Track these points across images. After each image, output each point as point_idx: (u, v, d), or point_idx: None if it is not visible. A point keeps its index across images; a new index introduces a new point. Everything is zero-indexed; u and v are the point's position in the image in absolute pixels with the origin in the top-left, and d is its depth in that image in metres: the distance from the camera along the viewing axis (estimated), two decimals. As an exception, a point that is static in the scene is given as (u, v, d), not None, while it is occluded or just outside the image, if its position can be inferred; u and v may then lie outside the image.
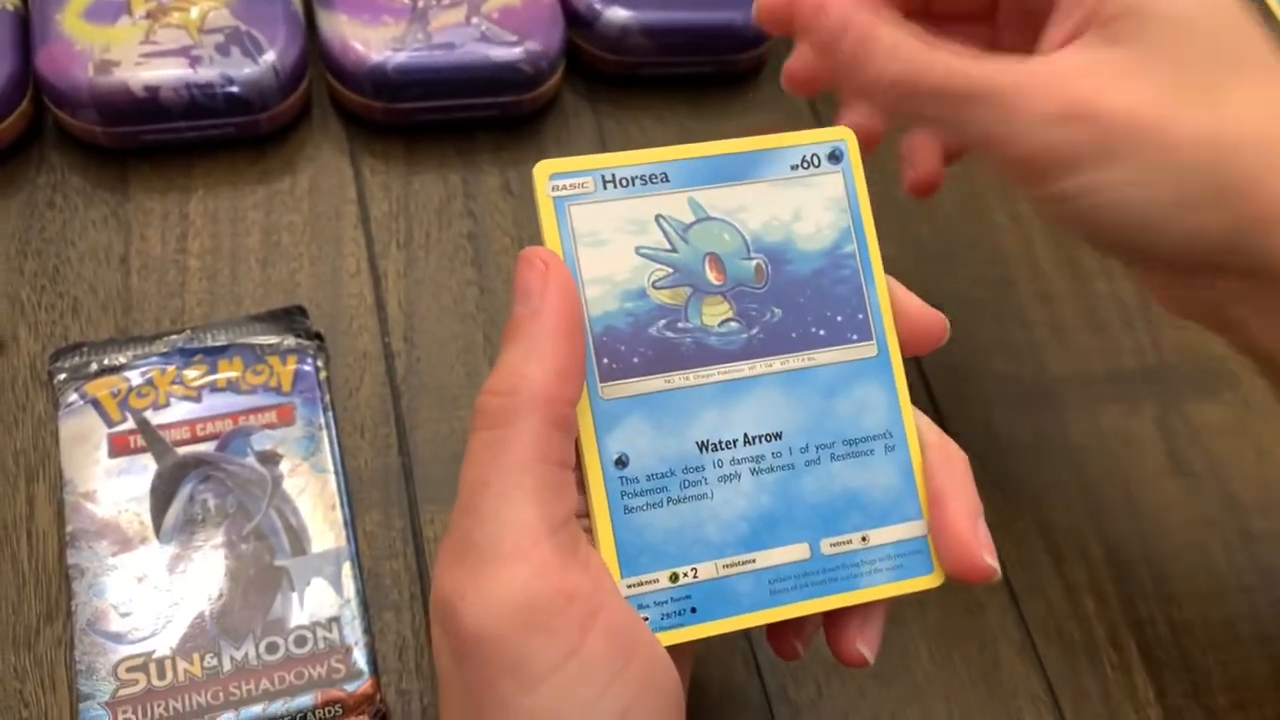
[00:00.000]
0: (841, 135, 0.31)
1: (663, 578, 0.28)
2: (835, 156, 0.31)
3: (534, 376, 0.26)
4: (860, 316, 0.30)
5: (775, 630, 0.31)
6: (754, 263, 0.30)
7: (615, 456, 0.28)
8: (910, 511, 0.30)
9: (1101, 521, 0.43)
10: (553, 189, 0.29)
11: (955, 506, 0.29)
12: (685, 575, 0.28)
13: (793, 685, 0.39)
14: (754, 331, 0.29)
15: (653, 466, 0.28)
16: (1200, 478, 0.44)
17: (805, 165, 0.30)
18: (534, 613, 0.25)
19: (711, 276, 0.29)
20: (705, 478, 0.29)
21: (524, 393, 0.26)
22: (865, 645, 0.30)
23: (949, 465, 0.30)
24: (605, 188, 0.29)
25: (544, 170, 0.29)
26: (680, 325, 0.29)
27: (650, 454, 0.28)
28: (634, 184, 0.29)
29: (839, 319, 0.30)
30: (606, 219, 0.29)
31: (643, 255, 0.29)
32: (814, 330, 0.30)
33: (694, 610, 0.28)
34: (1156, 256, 0.33)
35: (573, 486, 0.27)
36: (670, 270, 0.29)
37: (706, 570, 0.28)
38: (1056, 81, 0.31)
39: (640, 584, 0.28)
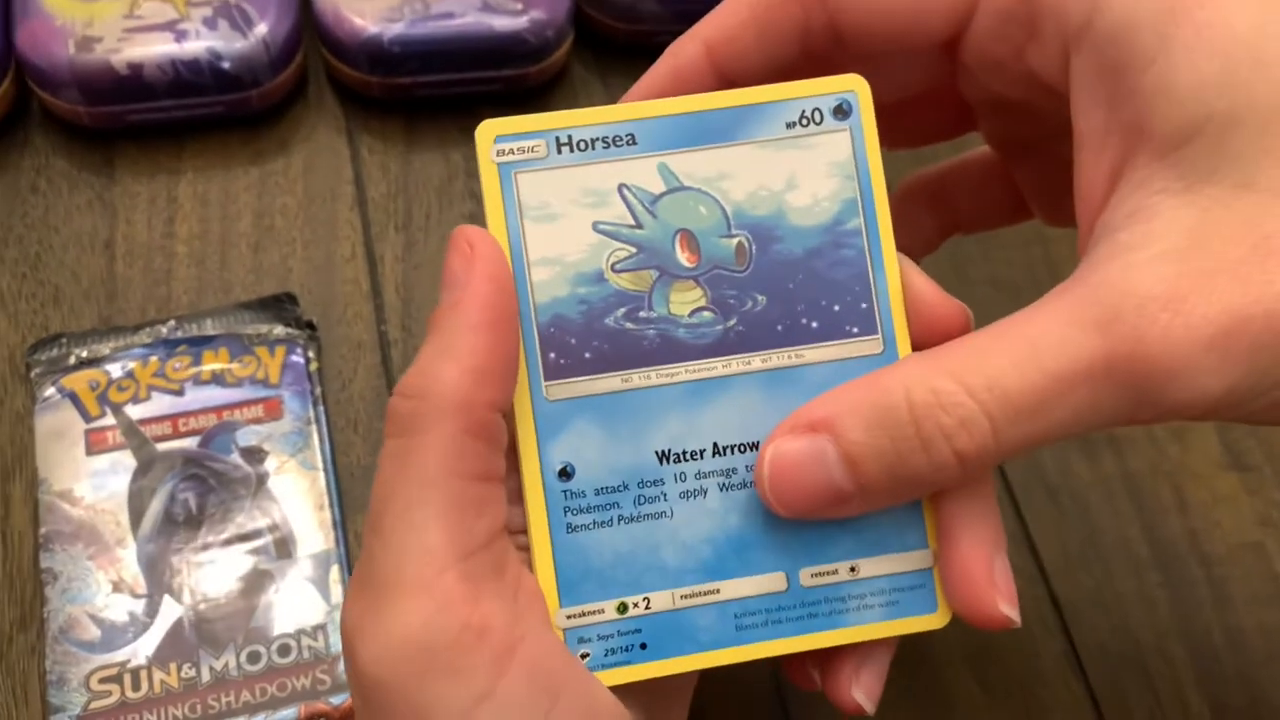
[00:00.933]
0: (851, 85, 0.25)
1: (609, 608, 0.24)
2: (842, 111, 0.25)
3: (446, 378, 0.22)
4: (864, 306, 0.25)
5: (795, 664, 0.27)
6: (735, 241, 0.25)
7: (559, 467, 0.24)
8: (911, 540, 0.25)
9: (1149, 520, 0.40)
10: (497, 153, 0.25)
11: (968, 539, 0.24)
12: (636, 606, 0.24)
13: (818, 703, 0.36)
14: (731, 323, 0.25)
15: (602, 479, 0.25)
16: (1259, 471, 0.41)
17: (804, 122, 0.25)
18: (435, 654, 0.21)
19: (682, 257, 0.25)
20: (664, 493, 0.25)
21: (434, 396, 0.22)
22: (862, 692, 0.25)
23: (967, 489, 0.24)
24: (560, 152, 0.25)
25: (487, 131, 0.25)
26: (643, 315, 0.25)
27: (600, 465, 0.24)
28: (594, 147, 0.25)
29: (837, 308, 0.25)
30: (560, 189, 0.25)
31: (601, 232, 0.25)
32: (805, 322, 0.25)
33: (644, 646, 0.24)
34: None
35: (496, 502, 0.23)
36: (633, 250, 0.25)
37: (661, 600, 0.24)
38: (1172, 307, 0.21)
39: (581, 614, 0.24)
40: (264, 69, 0.42)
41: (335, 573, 0.35)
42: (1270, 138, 0.21)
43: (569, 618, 0.24)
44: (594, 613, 0.24)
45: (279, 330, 0.39)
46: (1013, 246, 0.45)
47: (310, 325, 0.40)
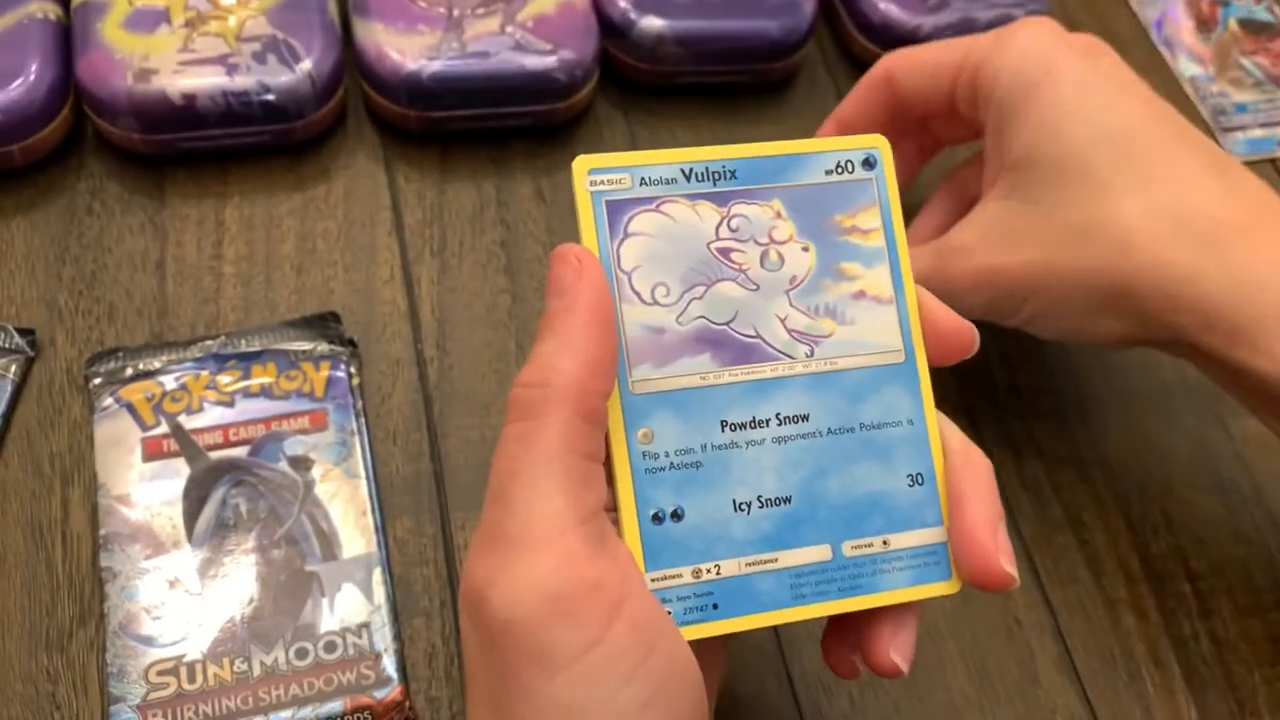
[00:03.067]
0: (875, 143, 0.31)
1: (686, 573, 0.28)
2: (869, 163, 0.31)
3: (565, 369, 0.26)
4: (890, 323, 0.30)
5: (834, 650, 0.31)
6: (784, 256, 0.30)
7: (643, 450, 0.28)
8: (930, 517, 0.30)
9: (1141, 537, 0.42)
10: (591, 184, 0.29)
11: (974, 512, 0.29)
12: (708, 571, 0.28)
13: (826, 700, 0.38)
14: (782, 334, 0.30)
15: (679, 461, 0.28)
16: (1241, 493, 0.44)
17: (840, 170, 0.30)
18: (560, 601, 0.25)
19: (742, 270, 0.30)
20: (730, 474, 0.29)
21: (555, 385, 0.26)
22: (898, 654, 0.30)
23: (971, 470, 0.30)
24: (641, 185, 0.29)
25: (583, 165, 0.29)
26: (710, 324, 0.29)
27: (677, 447, 0.28)
28: (672, 183, 0.29)
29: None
30: (643, 216, 0.29)
31: (678, 254, 0.29)
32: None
33: (716, 606, 0.28)
34: (1100, 347, 0.41)
35: (602, 479, 0.27)
36: (703, 267, 0.29)
37: (729, 567, 0.28)
38: (965, 256, 0.39)
39: (664, 578, 0.28)
40: (308, 102, 0.45)
41: (377, 574, 0.37)
42: (1049, 175, 0.37)
43: (654, 580, 0.28)
44: (674, 577, 0.28)
45: (323, 347, 0.41)
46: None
47: (352, 343, 0.42)
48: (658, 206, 0.29)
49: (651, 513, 0.28)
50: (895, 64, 0.42)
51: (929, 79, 0.41)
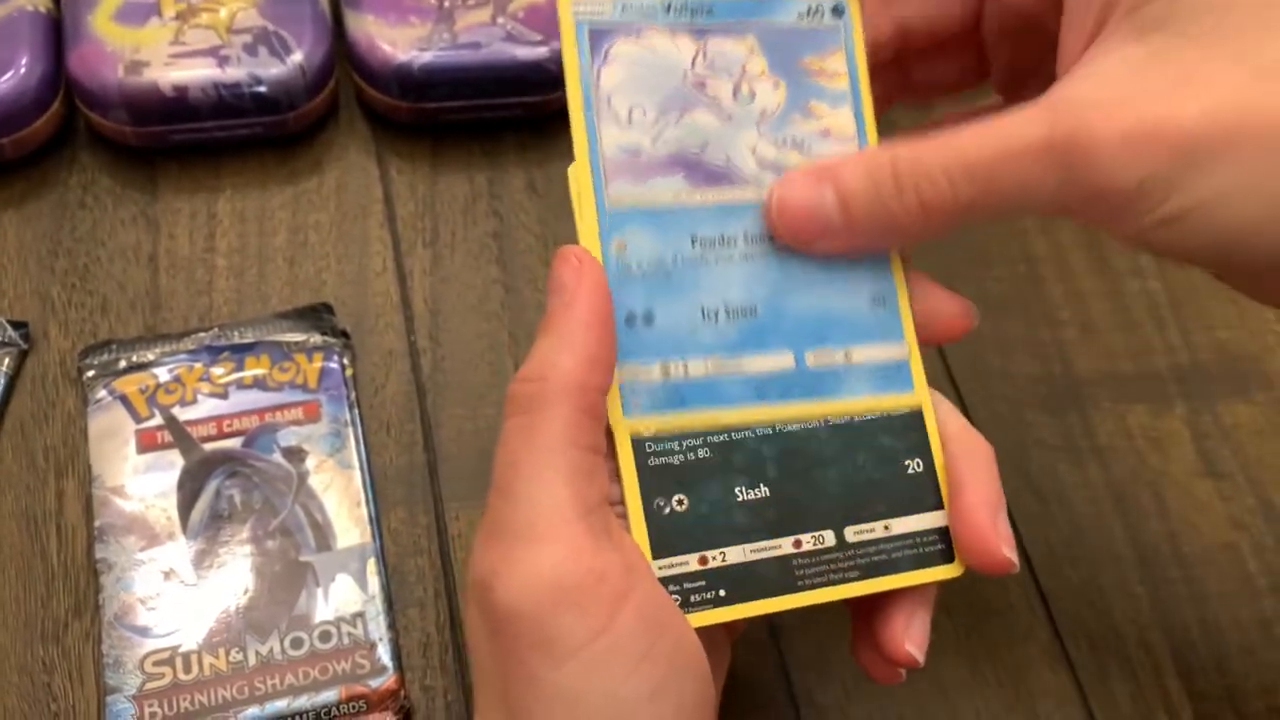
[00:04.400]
0: None
1: (692, 560, 0.28)
2: (838, 11, 0.31)
3: (564, 365, 0.27)
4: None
5: (864, 654, 0.31)
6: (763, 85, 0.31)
7: (646, 441, 0.28)
8: (931, 502, 0.30)
9: (1131, 523, 0.43)
10: (575, 10, 0.29)
11: (974, 497, 0.29)
12: (714, 559, 0.28)
13: (819, 687, 0.38)
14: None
15: (682, 453, 0.29)
16: (1232, 479, 0.44)
17: (811, 15, 0.31)
18: (565, 590, 0.25)
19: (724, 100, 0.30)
20: (733, 464, 0.29)
21: (555, 380, 0.26)
22: (913, 644, 0.30)
23: (971, 455, 0.30)
24: (623, 12, 0.30)
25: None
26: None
27: (679, 439, 0.29)
28: (652, 13, 0.30)
29: None
30: (624, 43, 0.30)
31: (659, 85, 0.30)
32: None
33: (722, 593, 0.28)
34: (1274, 264, 0.27)
35: (604, 472, 0.27)
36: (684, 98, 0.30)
37: (735, 554, 0.29)
38: (1113, 110, 0.26)
39: (671, 566, 0.28)
40: (300, 93, 0.45)
41: (371, 565, 0.38)
42: (1207, 4, 0.27)
43: (660, 568, 0.28)
44: (680, 564, 0.28)
45: (316, 338, 0.41)
46: (1001, 264, 0.48)
47: (345, 334, 0.42)
48: (638, 35, 0.30)
49: (656, 503, 0.28)
50: None
51: None
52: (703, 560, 0.28)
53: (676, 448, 0.28)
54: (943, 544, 0.30)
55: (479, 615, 0.26)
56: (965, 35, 0.33)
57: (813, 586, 0.29)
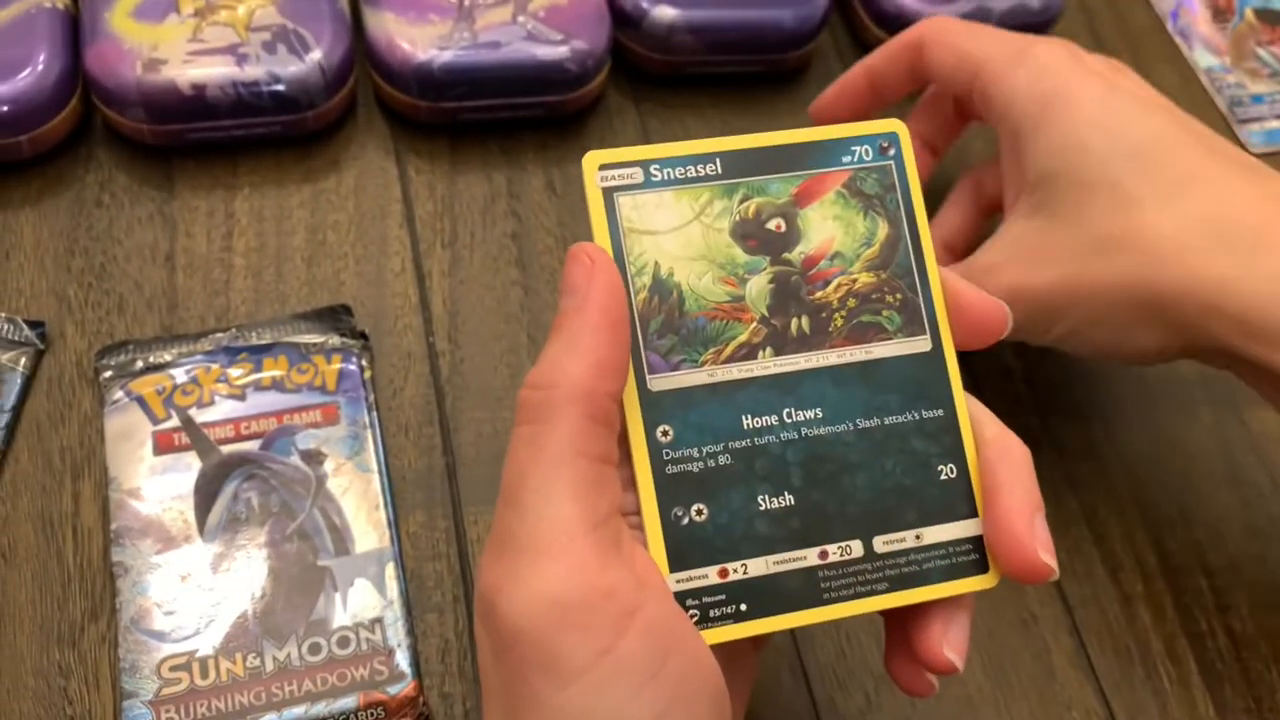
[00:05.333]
0: (892, 127, 0.30)
1: (712, 573, 0.27)
2: (886, 148, 0.30)
3: (572, 370, 0.26)
4: (913, 309, 0.30)
5: (898, 665, 0.30)
6: (804, 253, 0.29)
7: (664, 448, 0.28)
8: (964, 510, 0.29)
9: (1157, 531, 0.42)
10: (602, 179, 0.28)
11: (1010, 502, 0.28)
12: (735, 571, 0.28)
13: (841, 695, 0.38)
14: (806, 323, 0.29)
15: (702, 459, 0.28)
16: (1259, 487, 0.43)
17: (856, 159, 0.30)
18: (569, 609, 0.24)
19: (762, 264, 0.29)
20: (754, 471, 0.28)
21: (562, 386, 0.26)
22: (952, 650, 0.29)
23: (1007, 460, 0.29)
24: (653, 178, 0.28)
25: (593, 161, 0.28)
26: (729, 318, 0.29)
27: (699, 445, 0.28)
28: (684, 175, 0.29)
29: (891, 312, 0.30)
30: (656, 210, 0.28)
31: (689, 244, 0.29)
32: (865, 322, 0.29)
33: (743, 608, 0.28)
34: (1136, 364, 0.39)
35: (614, 482, 0.27)
36: (720, 261, 0.29)
37: (757, 566, 0.28)
38: (992, 275, 0.37)
39: (689, 579, 0.27)
40: (319, 92, 0.45)
41: (390, 569, 0.37)
42: (1073, 192, 0.36)
43: (678, 582, 0.27)
44: (699, 578, 0.27)
45: (334, 340, 0.41)
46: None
47: (363, 335, 0.42)
48: (669, 199, 0.29)
49: (674, 513, 0.27)
50: (929, 34, 0.41)
51: (955, 66, 0.40)
52: (723, 573, 0.27)
53: (696, 454, 0.28)
54: (977, 554, 0.29)
55: (485, 630, 0.26)
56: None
57: (839, 599, 0.28)
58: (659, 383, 0.28)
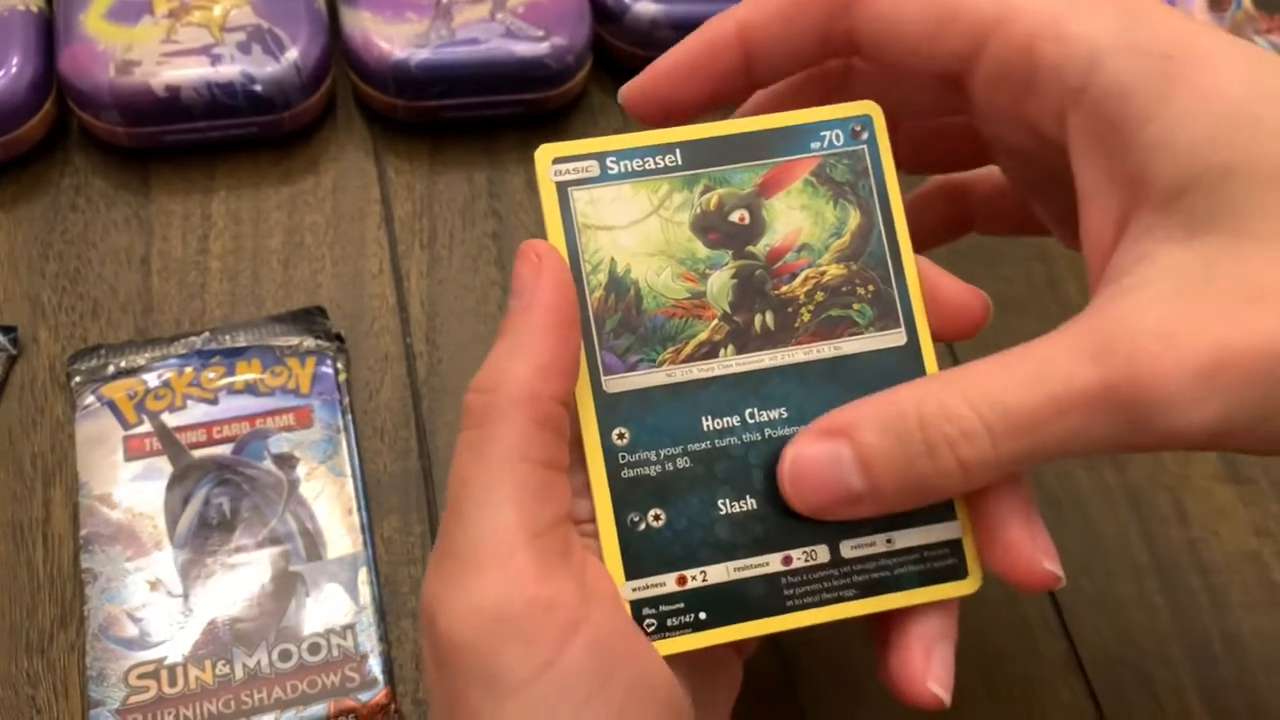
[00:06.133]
0: (866, 109, 0.28)
1: (670, 581, 0.26)
2: (858, 132, 0.29)
3: (516, 373, 0.25)
4: (887, 302, 0.28)
5: (903, 681, 0.28)
6: (768, 245, 0.28)
7: (619, 451, 0.27)
8: (941, 512, 0.28)
9: (1150, 530, 0.41)
10: (555, 174, 0.27)
11: (1005, 507, 0.26)
12: (694, 578, 0.26)
13: (825, 697, 0.37)
14: (770, 318, 0.28)
15: (659, 463, 0.27)
16: (1256, 484, 0.42)
17: (826, 144, 0.28)
18: (508, 622, 0.23)
19: (723, 261, 0.28)
20: (716, 474, 0.27)
21: (505, 390, 0.25)
22: (936, 682, 0.27)
23: None
24: (610, 171, 0.27)
25: (546, 154, 0.27)
26: (689, 315, 0.28)
27: (656, 448, 0.27)
28: (642, 167, 0.28)
29: (862, 305, 0.28)
30: (613, 204, 0.27)
31: (648, 239, 0.27)
32: (834, 317, 0.28)
33: (702, 616, 0.26)
34: None
35: (562, 488, 0.26)
36: (679, 256, 0.28)
37: (717, 573, 0.27)
38: (1173, 343, 0.22)
39: (645, 587, 0.26)
40: (295, 92, 0.44)
41: (363, 574, 0.37)
42: (1265, 191, 0.23)
43: (634, 590, 0.26)
44: (656, 586, 0.26)
45: (309, 342, 0.41)
46: (1014, 264, 0.46)
47: (339, 338, 0.41)
48: (627, 191, 0.27)
49: (630, 519, 0.26)
50: (748, 14, 0.28)
51: (931, 21, 0.26)
52: (681, 580, 0.26)
53: (653, 458, 0.27)
54: (954, 558, 0.28)
55: (427, 644, 0.25)
56: (960, 127, 0.30)
57: (806, 607, 0.27)
58: (615, 384, 0.27)
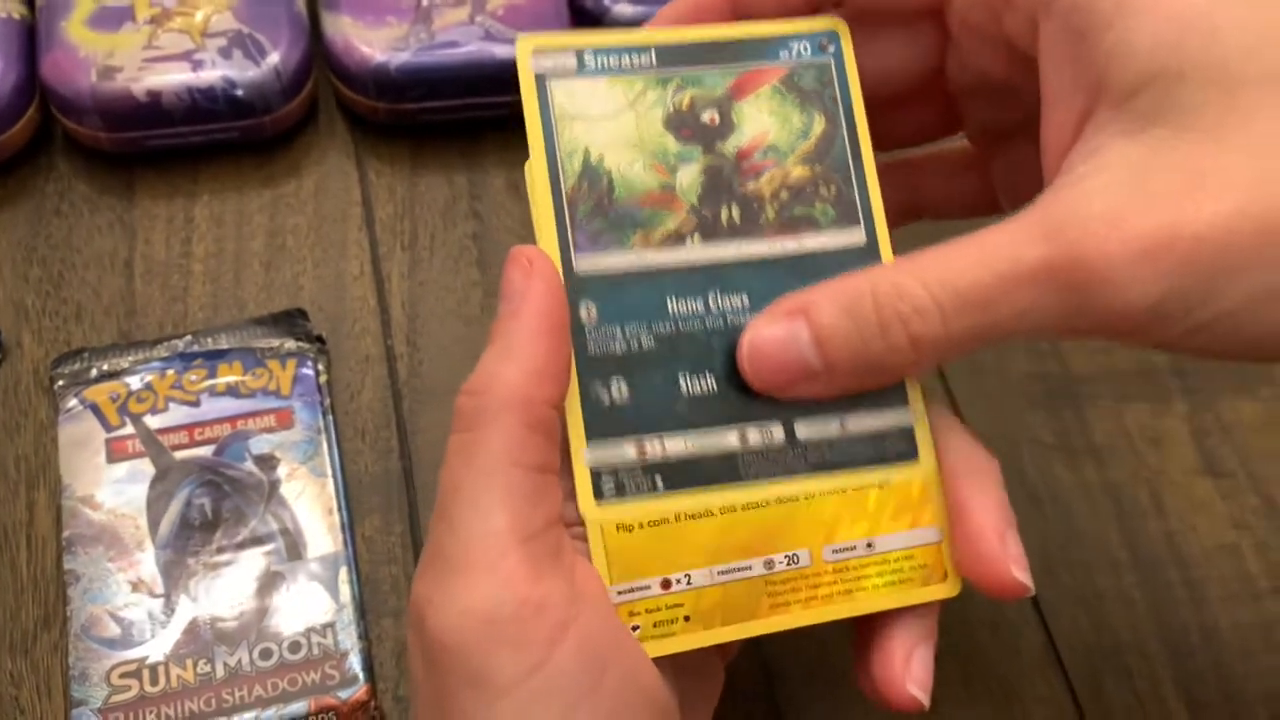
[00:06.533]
0: (832, 25, 0.30)
1: (654, 584, 0.27)
2: (825, 45, 0.30)
3: (507, 377, 0.25)
4: (847, 203, 0.29)
5: (883, 683, 0.28)
6: (736, 145, 0.29)
7: (587, 329, 0.27)
8: (920, 517, 0.28)
9: (1129, 524, 0.41)
10: (535, 64, 0.28)
11: (980, 519, 0.27)
12: (678, 581, 0.27)
13: (804, 693, 0.37)
14: (736, 213, 0.29)
15: (625, 340, 0.27)
16: (1234, 477, 0.42)
17: (794, 55, 0.30)
18: (498, 624, 0.23)
19: (693, 156, 0.29)
20: (679, 352, 0.27)
21: (497, 393, 0.25)
22: (916, 684, 0.27)
23: (975, 472, 0.28)
24: (587, 65, 0.28)
25: (526, 44, 0.28)
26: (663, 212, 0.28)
27: (622, 324, 0.27)
28: (618, 64, 0.28)
29: (824, 205, 0.29)
30: (589, 97, 0.28)
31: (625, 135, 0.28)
32: (798, 214, 0.29)
33: (687, 619, 0.27)
34: None
35: (552, 492, 0.26)
36: (651, 151, 0.29)
37: (701, 577, 0.27)
38: (1117, 225, 0.23)
39: (630, 590, 0.26)
40: (276, 96, 0.44)
41: (343, 574, 0.37)
42: (1211, 90, 0.24)
43: (619, 593, 0.26)
44: (641, 589, 0.26)
45: (290, 344, 0.41)
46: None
47: (320, 339, 0.41)
48: (604, 84, 0.28)
49: (595, 391, 0.27)
50: None
51: None
52: (665, 584, 0.27)
53: (619, 334, 0.27)
54: (935, 561, 0.28)
55: (416, 645, 0.25)
56: (928, 88, 0.31)
57: (787, 610, 0.27)
58: (585, 262, 0.27)
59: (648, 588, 0.27)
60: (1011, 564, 0.26)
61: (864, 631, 0.29)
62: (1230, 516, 0.42)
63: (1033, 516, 0.41)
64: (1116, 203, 0.24)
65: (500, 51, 0.45)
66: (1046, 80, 0.26)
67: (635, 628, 0.26)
